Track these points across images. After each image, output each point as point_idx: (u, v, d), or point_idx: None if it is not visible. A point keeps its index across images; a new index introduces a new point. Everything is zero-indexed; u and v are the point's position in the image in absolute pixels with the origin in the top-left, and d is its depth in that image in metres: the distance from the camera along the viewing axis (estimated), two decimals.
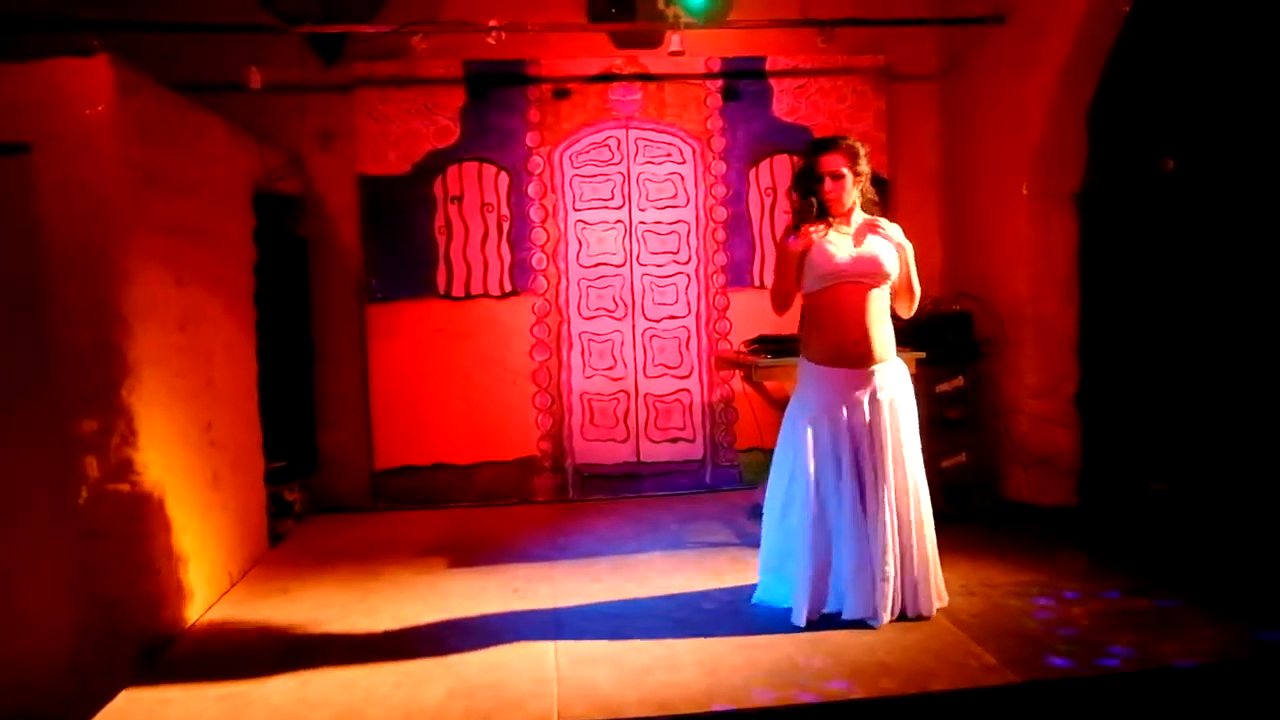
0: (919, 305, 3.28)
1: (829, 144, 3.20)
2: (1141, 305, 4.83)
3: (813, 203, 3.13)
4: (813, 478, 3.10)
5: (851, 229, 3.13)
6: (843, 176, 3.13)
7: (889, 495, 3.11)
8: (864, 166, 3.21)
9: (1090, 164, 4.89)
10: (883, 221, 3.18)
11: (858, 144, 3.23)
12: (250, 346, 4.43)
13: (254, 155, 4.61)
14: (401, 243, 5.41)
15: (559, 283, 5.55)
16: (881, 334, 3.11)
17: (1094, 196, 4.92)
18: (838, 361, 3.08)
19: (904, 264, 3.13)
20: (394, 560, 4.38)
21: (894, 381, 3.14)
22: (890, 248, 3.08)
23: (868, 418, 3.08)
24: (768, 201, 5.66)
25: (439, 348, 5.45)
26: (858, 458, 3.10)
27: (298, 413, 5.18)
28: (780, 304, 3.24)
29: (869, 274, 3.08)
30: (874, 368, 3.09)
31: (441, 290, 5.46)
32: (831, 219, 3.12)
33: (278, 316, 4.84)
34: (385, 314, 5.38)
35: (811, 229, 3.04)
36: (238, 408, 4.25)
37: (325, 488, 5.39)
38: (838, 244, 3.09)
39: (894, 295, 3.17)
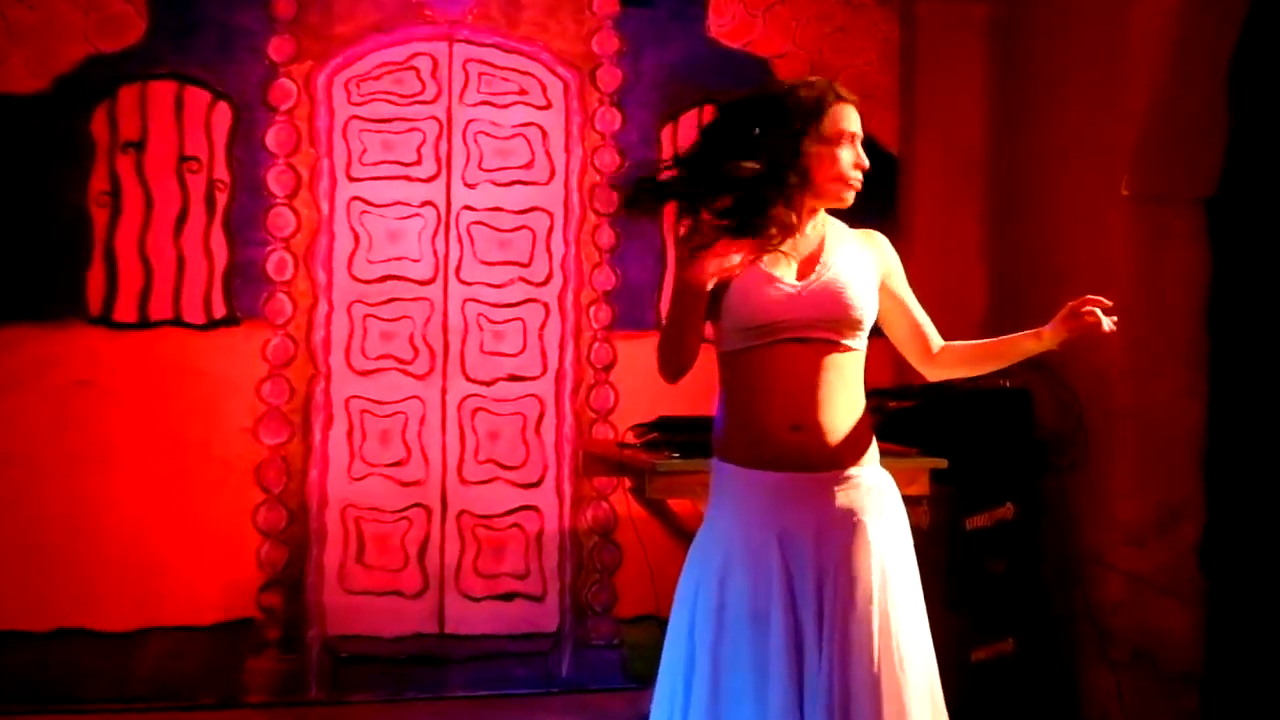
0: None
1: (836, 89, 3.05)
2: None
3: (783, 171, 2.89)
4: (717, 664, 2.92)
5: (804, 244, 3.02)
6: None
7: (857, 698, 2.89)
8: None
9: (1232, 152, 4.70)
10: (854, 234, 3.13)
11: None
12: None
13: None
14: (22, 219, 4.97)
15: (314, 307, 5.15)
16: (844, 418, 2.99)
17: (1238, 204, 4.73)
18: (769, 460, 2.96)
19: (897, 296, 3.10)
20: None
21: (871, 504, 3.00)
22: (866, 273, 3.03)
23: (815, 553, 2.93)
24: None
25: (83, 413, 4.97)
26: (799, 631, 2.91)
27: None
28: (673, 364, 2.99)
29: (828, 322, 2.96)
30: (832, 474, 2.97)
31: (95, 310, 5.00)
32: (782, 236, 2.94)
33: None
34: None
35: (728, 249, 2.90)
36: None
37: None
38: (776, 274, 2.98)
39: (901, 346, 3.16)
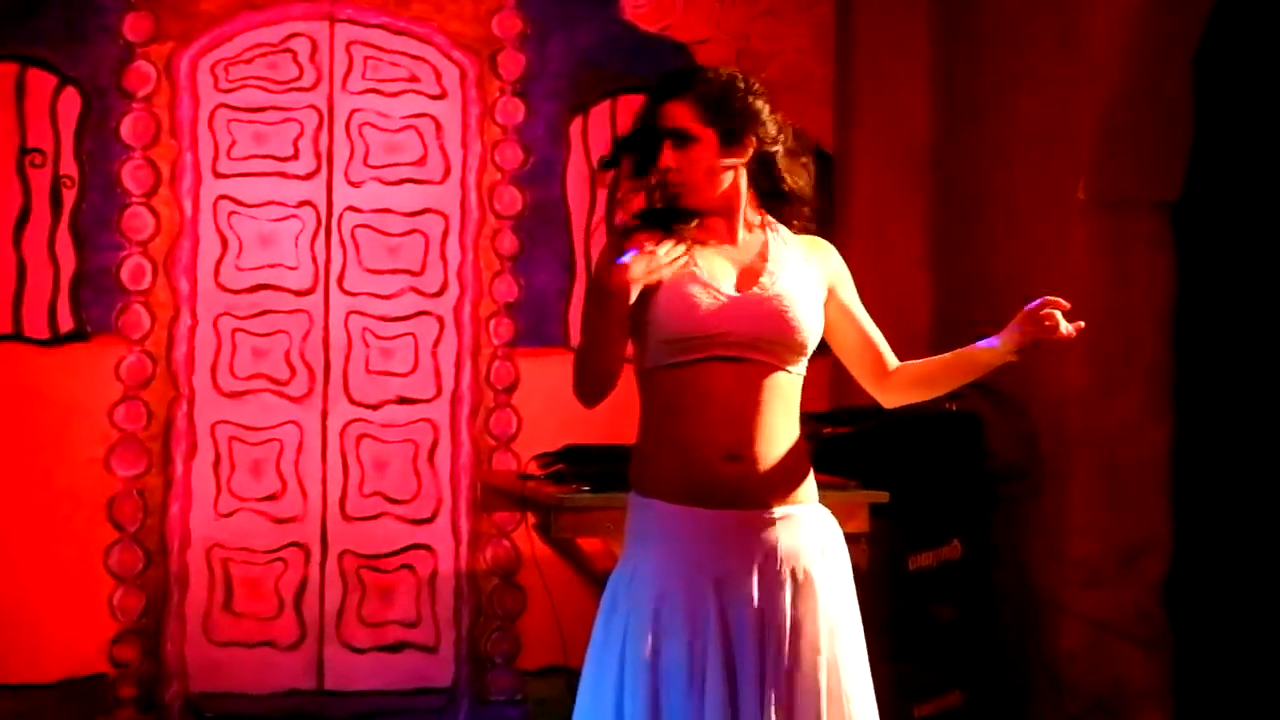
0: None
1: (677, 82, 3.07)
2: None
3: (651, 189, 3.01)
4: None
5: (742, 251, 3.05)
6: (691, 143, 3.00)
7: None
8: (768, 129, 3.07)
9: (1199, 154, 4.80)
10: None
11: (741, 84, 3.06)
12: None
13: None
14: None
15: (176, 320, 5.15)
16: (784, 448, 3.01)
17: (1205, 210, 4.84)
18: (702, 495, 2.97)
19: (847, 308, 3.12)
20: None
21: (816, 546, 3.01)
22: (813, 288, 3.04)
23: (757, 603, 2.93)
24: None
25: None
26: (736, 684, 2.90)
27: None
28: (591, 384, 3.00)
29: (768, 342, 2.98)
30: (773, 512, 2.97)
31: None
32: (685, 230, 2.98)
33: None
34: None
35: (658, 246, 2.92)
36: None
37: None
38: (712, 280, 2.99)
39: (852, 365, 3.20)
